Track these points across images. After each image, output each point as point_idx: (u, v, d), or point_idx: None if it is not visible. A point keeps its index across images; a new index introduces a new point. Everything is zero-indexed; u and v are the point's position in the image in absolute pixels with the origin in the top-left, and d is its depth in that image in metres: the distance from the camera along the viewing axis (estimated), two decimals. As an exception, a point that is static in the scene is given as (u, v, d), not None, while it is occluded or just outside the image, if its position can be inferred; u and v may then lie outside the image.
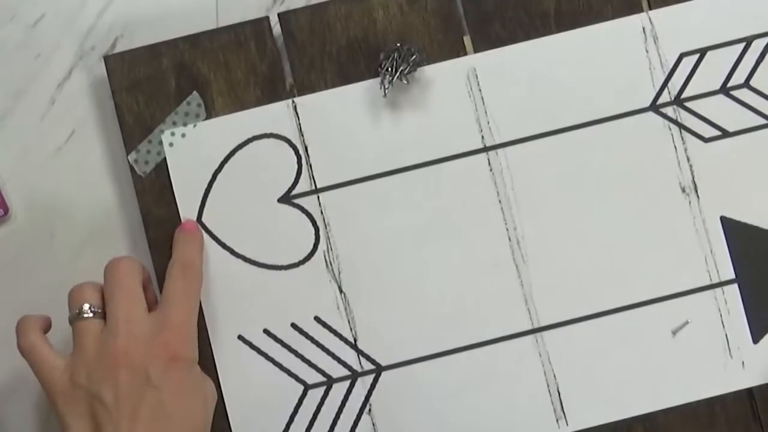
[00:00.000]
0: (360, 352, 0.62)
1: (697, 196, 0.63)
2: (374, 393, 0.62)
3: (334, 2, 0.63)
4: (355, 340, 0.62)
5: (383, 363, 0.62)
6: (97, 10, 0.65)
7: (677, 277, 0.63)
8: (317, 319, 0.62)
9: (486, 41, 0.64)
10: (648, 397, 0.62)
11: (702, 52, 0.63)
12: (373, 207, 0.63)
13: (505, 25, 0.64)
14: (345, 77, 0.63)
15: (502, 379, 0.62)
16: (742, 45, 0.63)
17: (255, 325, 0.62)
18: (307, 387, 0.62)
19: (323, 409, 0.62)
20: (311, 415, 0.62)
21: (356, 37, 0.63)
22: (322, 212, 0.63)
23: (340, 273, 0.63)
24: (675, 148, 0.63)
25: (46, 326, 0.59)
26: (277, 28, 0.64)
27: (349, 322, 0.62)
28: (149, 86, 0.63)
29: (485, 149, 0.63)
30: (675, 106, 0.63)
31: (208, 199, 0.63)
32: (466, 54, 0.64)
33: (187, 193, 0.63)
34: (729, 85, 0.63)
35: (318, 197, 0.63)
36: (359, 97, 0.63)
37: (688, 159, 0.63)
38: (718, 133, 0.63)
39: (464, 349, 0.62)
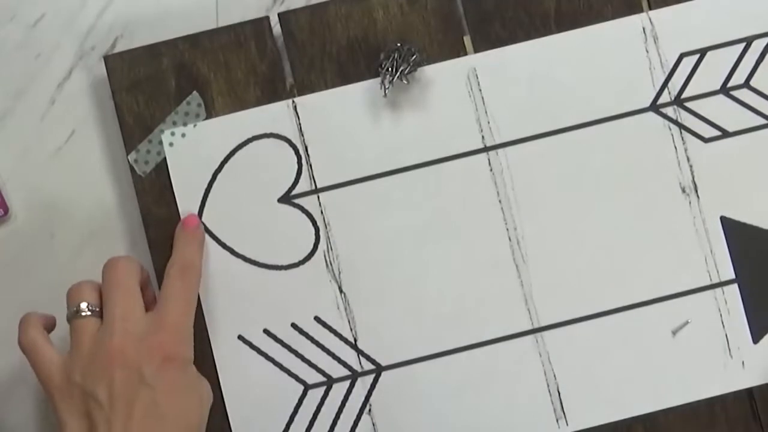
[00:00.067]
0: (360, 352, 0.62)
1: (697, 196, 0.63)
2: (374, 393, 0.62)
3: (334, 2, 0.63)
4: (355, 340, 0.62)
5: (383, 363, 0.62)
6: (97, 10, 0.65)
7: (677, 277, 0.63)
8: (317, 319, 0.62)
9: (486, 41, 0.64)
10: (648, 397, 0.62)
11: (702, 52, 0.63)
12: (373, 207, 0.63)
13: (505, 25, 0.64)
14: (345, 77, 0.63)
15: (502, 379, 0.62)
16: (742, 45, 0.63)
17: (255, 325, 0.62)
18: (307, 387, 0.62)
19: (323, 409, 0.62)
20: (311, 415, 0.62)
21: (356, 37, 0.63)
22: (322, 212, 0.63)
23: (340, 273, 0.63)
24: (675, 148, 0.63)
25: (49, 325, 0.59)
26: (277, 28, 0.64)
27: (349, 322, 0.62)
28: (149, 86, 0.63)
29: (485, 149, 0.63)
30: (675, 106, 0.63)
31: (208, 199, 0.63)
32: (466, 54, 0.64)
33: (187, 193, 0.63)
34: (729, 85, 0.63)
35: (318, 197, 0.63)
36: (359, 97, 0.63)
37: (688, 159, 0.63)
38: (718, 133, 0.63)
39: (464, 349, 0.62)
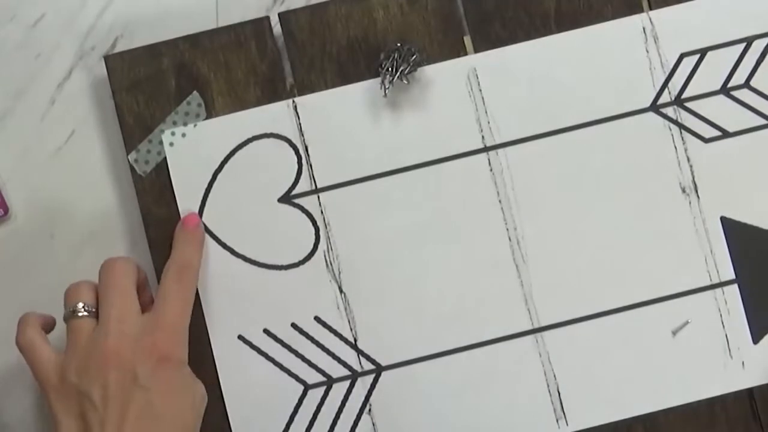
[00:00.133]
0: (360, 352, 0.62)
1: (697, 197, 0.63)
2: (374, 393, 0.62)
3: (335, 2, 0.63)
4: (355, 340, 0.62)
5: (383, 363, 0.62)
6: (97, 10, 0.65)
7: (677, 277, 0.63)
8: (317, 319, 0.62)
9: (486, 41, 0.64)
10: (648, 397, 0.62)
11: (702, 53, 0.63)
12: (373, 207, 0.63)
13: (505, 25, 0.64)
14: (345, 77, 0.63)
15: (502, 379, 0.62)
16: (743, 45, 0.63)
17: (255, 325, 0.62)
18: (307, 387, 0.62)
19: (323, 409, 0.62)
20: (311, 415, 0.62)
21: (356, 37, 0.63)
22: (322, 212, 0.63)
23: (340, 273, 0.63)
24: (675, 148, 0.63)
25: (48, 325, 0.59)
26: (277, 28, 0.64)
27: (349, 322, 0.62)
28: (149, 86, 0.63)
29: (485, 149, 0.63)
30: (675, 107, 0.63)
31: (209, 199, 0.63)
32: (466, 54, 0.64)
33: (188, 193, 0.63)
34: (729, 85, 0.63)
35: (318, 197, 0.63)
36: (359, 97, 0.63)
37: (688, 159, 0.63)
38: (718, 133, 0.63)
39: (464, 349, 0.62)
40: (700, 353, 0.62)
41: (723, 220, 0.63)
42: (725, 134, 0.63)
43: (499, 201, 0.63)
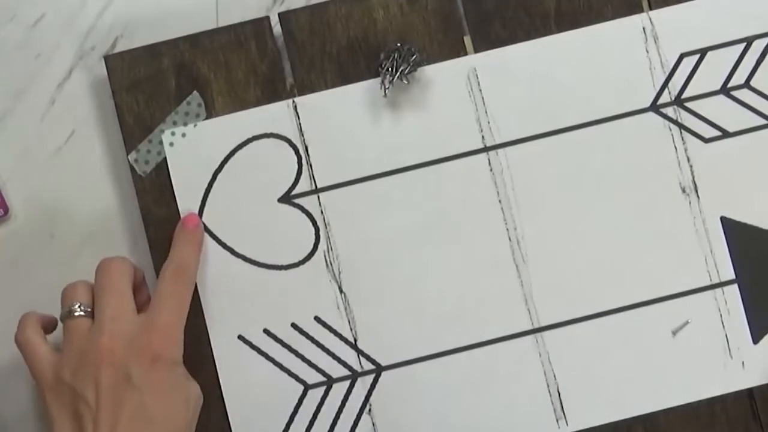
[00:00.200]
0: (360, 352, 0.62)
1: (697, 197, 0.63)
2: (374, 393, 0.62)
3: (335, 2, 0.63)
4: (355, 340, 0.62)
5: (383, 363, 0.62)
6: (97, 10, 0.65)
7: (677, 277, 0.63)
8: (317, 319, 0.62)
9: (486, 41, 0.64)
10: (648, 397, 0.62)
11: (702, 53, 0.63)
12: (373, 207, 0.63)
13: (505, 25, 0.64)
14: (345, 77, 0.63)
15: (502, 379, 0.62)
16: (743, 45, 0.63)
17: (255, 325, 0.62)
18: (307, 387, 0.62)
19: (323, 409, 0.62)
20: (311, 415, 0.62)
21: (356, 37, 0.63)
22: (322, 212, 0.63)
23: (340, 273, 0.63)
24: (675, 148, 0.63)
25: (48, 325, 0.59)
26: (277, 28, 0.64)
27: (349, 322, 0.62)
28: (149, 86, 0.63)
29: (485, 149, 0.63)
30: (675, 107, 0.63)
31: (209, 199, 0.63)
32: (466, 54, 0.64)
33: (188, 193, 0.63)
34: (729, 85, 0.63)
35: (318, 197, 0.63)
36: (359, 97, 0.63)
37: (688, 159, 0.63)
38: (718, 133, 0.63)
39: (464, 349, 0.62)
40: (700, 353, 0.62)
41: (723, 220, 0.63)
42: (725, 134, 0.63)
43: (499, 201, 0.63)
